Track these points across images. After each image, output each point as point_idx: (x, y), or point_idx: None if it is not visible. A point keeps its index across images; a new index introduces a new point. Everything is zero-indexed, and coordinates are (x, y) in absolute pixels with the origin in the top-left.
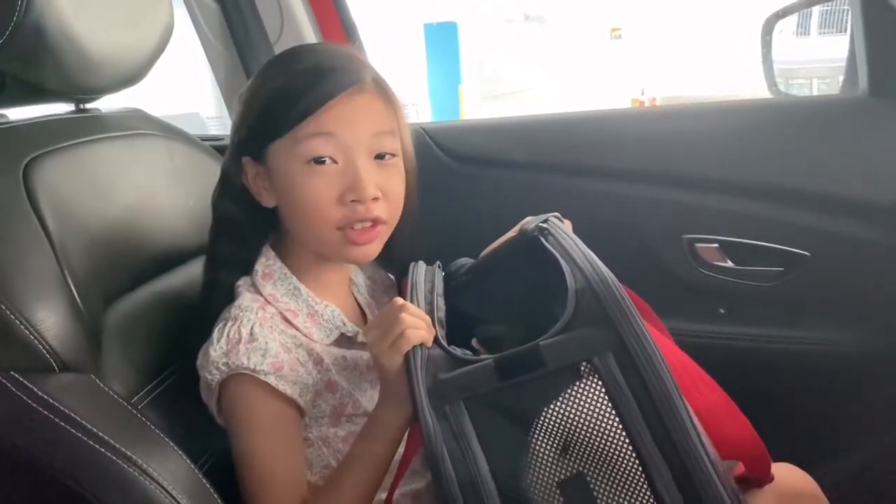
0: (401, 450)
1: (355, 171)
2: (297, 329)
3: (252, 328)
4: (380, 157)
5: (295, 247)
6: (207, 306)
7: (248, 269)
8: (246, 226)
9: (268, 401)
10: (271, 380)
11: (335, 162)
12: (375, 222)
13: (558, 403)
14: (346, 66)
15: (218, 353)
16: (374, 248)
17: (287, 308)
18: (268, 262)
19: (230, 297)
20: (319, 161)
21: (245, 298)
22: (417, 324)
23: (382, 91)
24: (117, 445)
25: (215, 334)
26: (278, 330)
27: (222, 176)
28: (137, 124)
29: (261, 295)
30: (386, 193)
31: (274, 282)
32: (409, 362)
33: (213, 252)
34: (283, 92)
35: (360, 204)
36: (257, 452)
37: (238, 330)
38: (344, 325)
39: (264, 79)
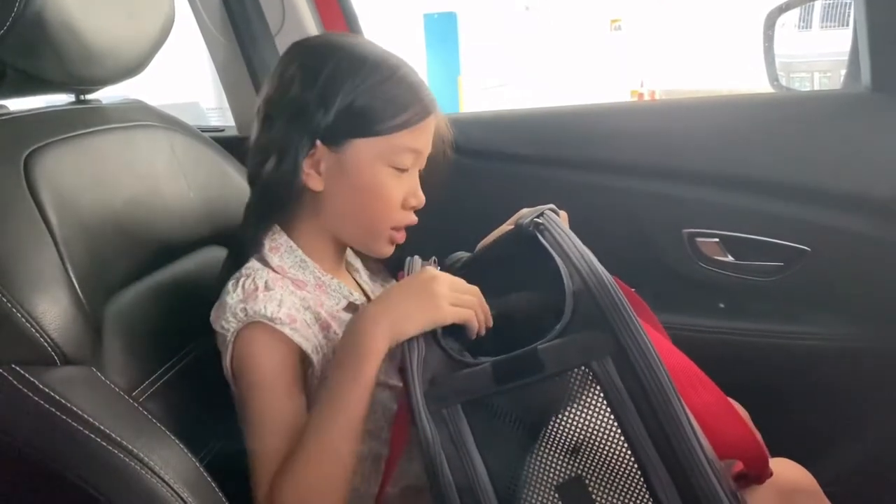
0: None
1: (416, 181)
2: (306, 293)
3: (266, 281)
4: None
5: (308, 229)
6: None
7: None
8: (286, 200)
9: (282, 350)
10: (287, 330)
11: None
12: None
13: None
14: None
15: (235, 301)
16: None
17: (296, 278)
18: (273, 237)
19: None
20: (402, 170)
21: (254, 263)
22: (479, 310)
23: None
24: (119, 439)
25: (229, 286)
26: (288, 290)
27: (282, 147)
28: (138, 116)
29: (269, 267)
30: None
31: (281, 255)
32: (406, 366)
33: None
34: (389, 97)
35: (413, 210)
36: (265, 404)
37: (253, 282)
38: (351, 294)
39: (362, 74)
